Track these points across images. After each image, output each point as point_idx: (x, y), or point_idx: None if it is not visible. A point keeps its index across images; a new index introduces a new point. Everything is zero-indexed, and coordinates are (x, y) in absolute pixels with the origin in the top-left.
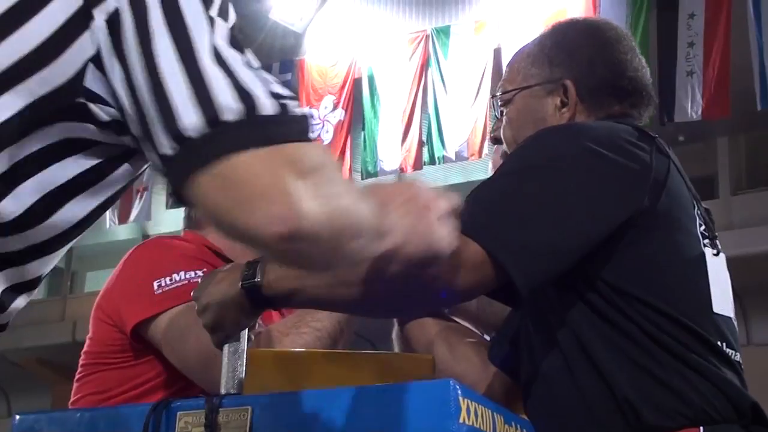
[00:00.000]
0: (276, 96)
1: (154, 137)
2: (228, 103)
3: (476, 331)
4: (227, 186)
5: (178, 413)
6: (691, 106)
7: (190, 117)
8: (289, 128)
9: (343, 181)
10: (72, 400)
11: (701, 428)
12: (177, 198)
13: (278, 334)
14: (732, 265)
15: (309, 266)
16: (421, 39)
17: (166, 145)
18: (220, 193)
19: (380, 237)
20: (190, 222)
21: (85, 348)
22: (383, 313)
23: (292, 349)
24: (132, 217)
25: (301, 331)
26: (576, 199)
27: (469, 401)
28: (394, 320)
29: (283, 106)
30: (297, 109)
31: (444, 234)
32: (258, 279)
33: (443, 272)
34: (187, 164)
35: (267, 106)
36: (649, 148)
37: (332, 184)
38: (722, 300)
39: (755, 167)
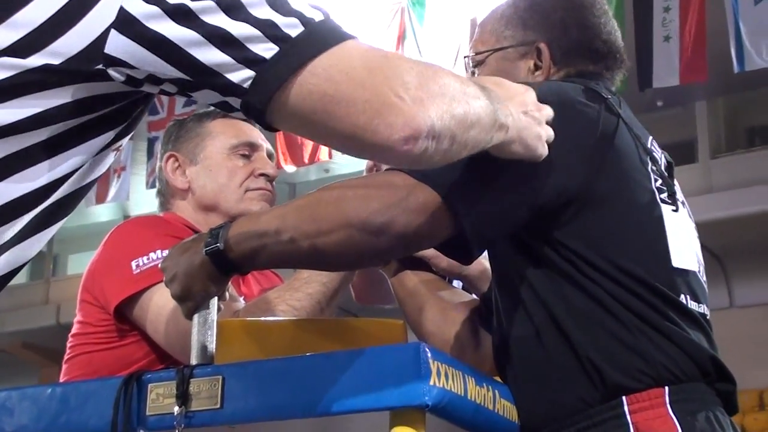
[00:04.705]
0: (316, 8)
1: (223, 72)
2: (288, 23)
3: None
4: (321, 93)
5: (149, 385)
6: (669, 72)
7: (260, 43)
8: (341, 31)
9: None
10: (60, 382)
11: (666, 388)
12: (264, 125)
13: (257, 311)
14: (713, 228)
15: (434, 162)
16: (397, 11)
17: (240, 74)
18: (316, 100)
19: (499, 129)
20: (162, 205)
21: (73, 330)
22: (343, 264)
23: (262, 318)
24: (109, 197)
25: (279, 309)
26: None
27: (440, 363)
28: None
29: (326, 15)
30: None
31: (544, 142)
32: (220, 244)
33: (399, 216)
34: (274, 79)
35: (318, 15)
36: (598, 107)
37: (429, 79)
38: (683, 254)
39: (734, 130)
